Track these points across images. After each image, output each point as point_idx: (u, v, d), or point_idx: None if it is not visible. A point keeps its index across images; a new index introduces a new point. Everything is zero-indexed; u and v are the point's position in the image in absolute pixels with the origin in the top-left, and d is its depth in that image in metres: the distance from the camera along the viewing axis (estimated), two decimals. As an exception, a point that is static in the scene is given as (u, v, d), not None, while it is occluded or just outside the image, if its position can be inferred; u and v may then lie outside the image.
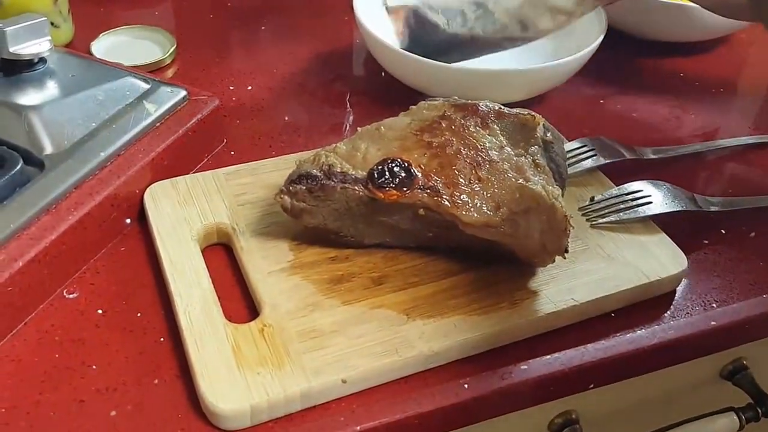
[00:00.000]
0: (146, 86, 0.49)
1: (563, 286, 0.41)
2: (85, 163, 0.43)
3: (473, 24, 0.53)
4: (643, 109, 0.59)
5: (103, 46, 0.61)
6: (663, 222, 0.45)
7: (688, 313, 0.42)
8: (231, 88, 0.58)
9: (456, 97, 0.44)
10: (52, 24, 0.56)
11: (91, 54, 0.59)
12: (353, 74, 0.62)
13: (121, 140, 0.45)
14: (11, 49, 0.45)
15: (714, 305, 0.43)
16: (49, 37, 0.47)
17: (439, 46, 0.54)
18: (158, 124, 0.48)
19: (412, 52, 0.53)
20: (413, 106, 0.44)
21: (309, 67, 0.62)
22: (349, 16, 0.67)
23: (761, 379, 0.49)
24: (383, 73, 0.59)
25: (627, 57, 0.65)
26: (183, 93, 0.50)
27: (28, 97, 0.46)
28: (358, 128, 0.43)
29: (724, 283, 0.44)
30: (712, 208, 0.47)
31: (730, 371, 0.49)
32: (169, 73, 0.60)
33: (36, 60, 0.47)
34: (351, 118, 0.56)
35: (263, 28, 0.66)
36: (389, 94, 0.58)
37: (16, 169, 0.41)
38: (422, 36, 0.55)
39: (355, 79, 0.62)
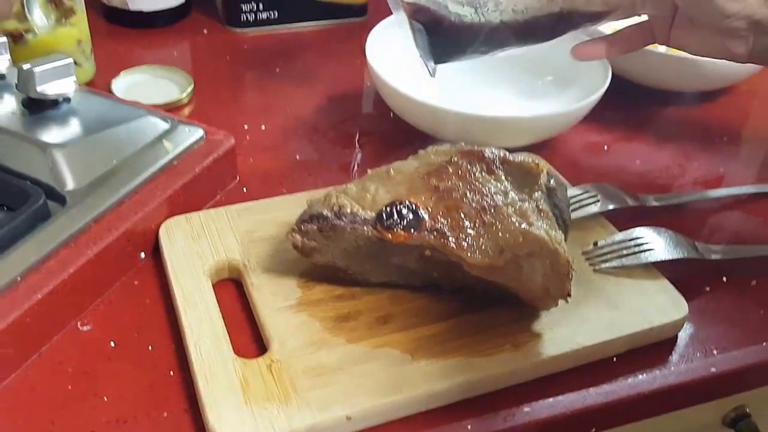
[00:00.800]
0: (165, 125, 0.51)
1: (566, 330, 0.42)
2: (105, 199, 0.45)
3: (505, 7, 0.44)
4: (646, 157, 0.60)
5: (123, 84, 0.63)
6: (665, 268, 0.46)
7: (689, 359, 0.43)
8: (245, 126, 0.60)
9: (463, 143, 0.46)
10: (75, 63, 0.58)
11: (111, 91, 0.61)
12: (363, 115, 0.64)
13: (139, 177, 0.47)
14: (38, 89, 0.47)
15: (714, 352, 0.43)
16: (74, 78, 0.49)
17: (465, 41, 0.45)
18: (176, 163, 0.49)
19: (432, 54, 0.45)
20: (422, 151, 0.46)
21: (321, 108, 0.63)
22: (361, 60, 0.69)
23: (764, 427, 0.49)
24: (392, 114, 0.60)
25: (631, 105, 0.66)
26: (200, 133, 0.51)
27: (52, 135, 0.47)
28: (368, 169, 0.45)
29: (725, 330, 0.45)
30: (714, 256, 0.48)
31: (732, 419, 0.49)
32: (186, 111, 0.62)
33: (61, 99, 0.49)
34: (360, 157, 0.58)
35: (277, 70, 0.69)
36: (398, 135, 0.59)
37: (38, 204, 0.43)
38: (442, 32, 0.45)
39: (365, 120, 0.63)
